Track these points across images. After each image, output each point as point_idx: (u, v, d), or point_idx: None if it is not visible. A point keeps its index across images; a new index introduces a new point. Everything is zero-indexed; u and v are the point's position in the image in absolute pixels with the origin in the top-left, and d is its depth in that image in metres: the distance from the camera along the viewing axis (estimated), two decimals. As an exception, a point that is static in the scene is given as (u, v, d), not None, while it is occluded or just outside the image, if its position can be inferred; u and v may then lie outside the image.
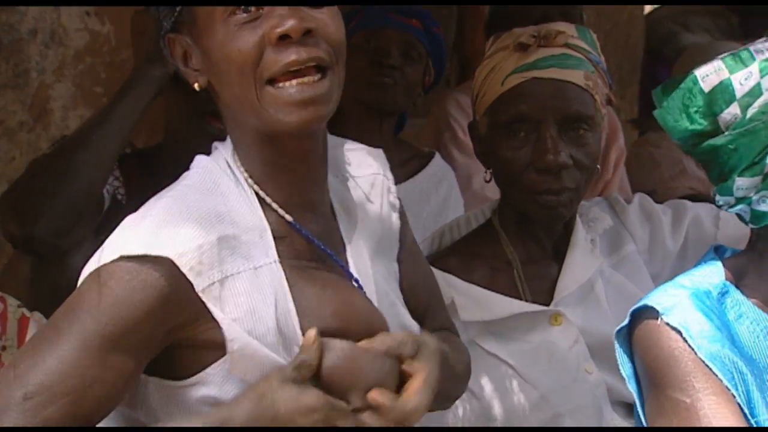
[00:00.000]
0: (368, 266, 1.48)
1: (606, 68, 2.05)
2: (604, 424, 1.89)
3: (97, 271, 1.27)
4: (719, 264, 1.60)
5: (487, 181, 2.04)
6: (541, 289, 1.98)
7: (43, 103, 2.58)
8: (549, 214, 1.95)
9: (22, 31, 2.55)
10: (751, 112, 1.49)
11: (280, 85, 1.29)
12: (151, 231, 1.28)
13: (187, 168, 1.46)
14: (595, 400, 1.88)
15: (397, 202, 1.60)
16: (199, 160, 1.44)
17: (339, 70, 1.34)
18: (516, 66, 1.96)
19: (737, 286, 1.58)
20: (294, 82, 1.29)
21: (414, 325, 1.53)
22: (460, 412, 1.86)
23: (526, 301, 1.97)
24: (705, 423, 1.42)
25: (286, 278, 1.35)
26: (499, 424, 1.91)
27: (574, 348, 1.91)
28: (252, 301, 1.32)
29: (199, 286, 1.26)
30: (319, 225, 1.43)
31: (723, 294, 1.56)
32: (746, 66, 1.51)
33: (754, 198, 1.51)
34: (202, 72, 1.37)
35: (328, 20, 1.33)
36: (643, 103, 3.36)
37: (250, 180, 1.39)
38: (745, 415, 1.44)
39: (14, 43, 2.53)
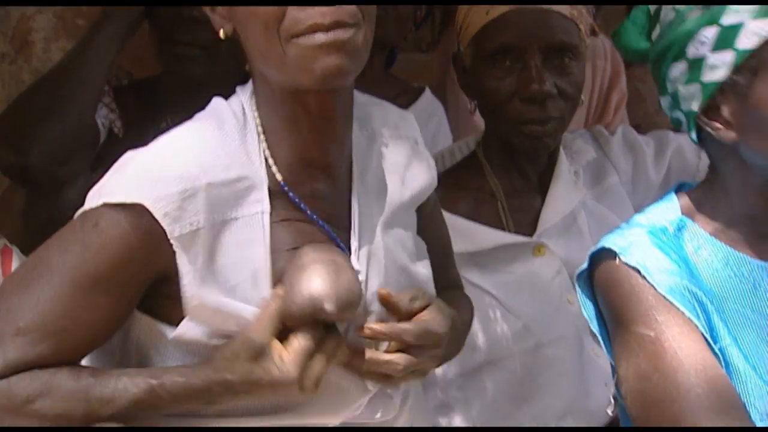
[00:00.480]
0: (378, 231, 1.48)
1: None
2: (585, 354, 1.93)
3: (85, 214, 1.30)
4: (675, 199, 1.63)
5: (472, 113, 2.04)
6: (524, 220, 2.01)
7: (24, 34, 2.55)
8: (534, 144, 1.96)
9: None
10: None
11: (306, 39, 1.25)
12: (134, 176, 1.30)
13: (189, 100, 1.46)
14: (577, 330, 1.93)
15: (430, 164, 1.63)
16: (214, 102, 1.43)
17: (368, 31, 1.30)
18: None
19: (695, 220, 1.61)
20: (318, 33, 1.25)
21: (430, 286, 1.58)
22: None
23: (510, 232, 1.99)
24: (670, 353, 1.45)
25: (272, 233, 1.36)
26: (482, 353, 1.95)
27: (557, 279, 1.95)
28: (236, 250, 1.34)
29: (175, 231, 1.28)
30: (328, 185, 1.43)
31: (680, 229, 1.59)
32: None
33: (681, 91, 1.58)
34: (227, 19, 1.35)
35: None
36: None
37: (260, 129, 1.39)
38: (708, 342, 1.47)
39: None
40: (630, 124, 2.69)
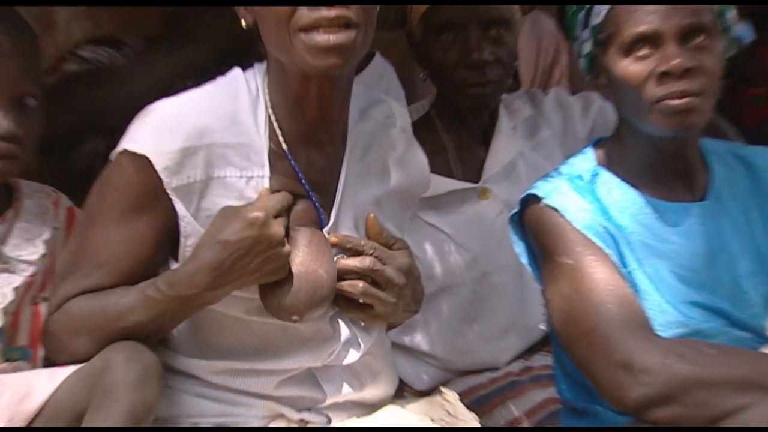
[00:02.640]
0: (357, 196, 1.47)
1: None
2: (524, 281, 1.95)
3: (114, 157, 1.34)
4: (591, 151, 1.66)
5: (424, 80, 2.04)
6: (471, 169, 2.02)
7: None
8: (476, 104, 1.98)
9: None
10: None
11: (310, 33, 1.25)
12: (148, 129, 1.33)
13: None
14: (517, 261, 1.90)
15: (423, 163, 1.64)
16: (234, 72, 1.44)
17: (367, 30, 1.30)
18: None
19: (608, 167, 1.63)
20: (321, 30, 1.25)
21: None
22: None
23: (459, 179, 2.00)
24: (587, 277, 1.49)
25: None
26: (438, 281, 1.96)
27: (499, 218, 1.95)
28: (233, 204, 1.35)
29: (172, 183, 1.30)
30: (322, 158, 1.43)
31: (594, 176, 1.61)
32: None
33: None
34: (249, 13, 1.36)
35: None
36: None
37: (269, 103, 1.39)
38: (618, 267, 1.51)
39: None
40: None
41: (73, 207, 1.59)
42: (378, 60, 2.62)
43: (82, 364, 1.39)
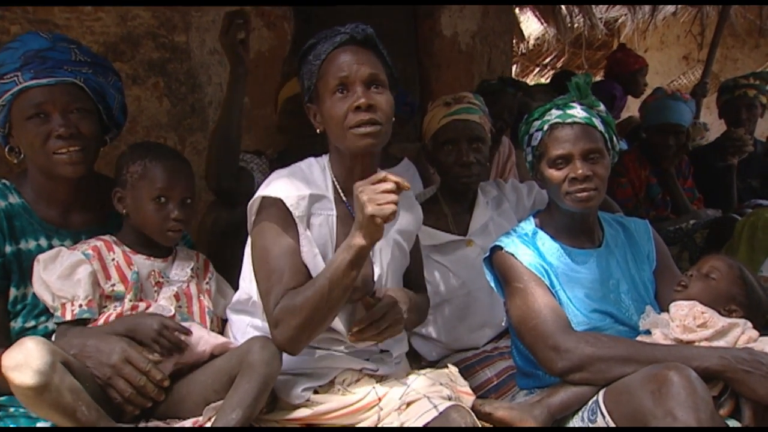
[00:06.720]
0: (385, 235, 1.44)
1: (489, 113, 2.10)
2: (493, 295, 1.88)
3: (261, 200, 1.38)
4: (532, 219, 1.71)
5: (433, 174, 2.07)
6: (461, 228, 2.05)
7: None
8: (465, 188, 2.02)
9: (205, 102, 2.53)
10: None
11: (355, 128, 1.34)
12: (276, 184, 1.38)
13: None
14: (488, 284, 1.86)
15: (419, 214, 1.57)
16: (310, 158, 1.49)
17: (387, 127, 1.37)
18: (445, 113, 2.03)
19: (542, 228, 1.66)
20: (362, 127, 1.33)
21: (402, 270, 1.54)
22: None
23: (454, 234, 2.03)
24: (531, 294, 1.51)
25: (336, 225, 1.42)
26: (442, 295, 1.96)
27: (478, 258, 1.90)
28: (318, 228, 1.39)
29: (296, 213, 1.36)
30: None
31: (534, 234, 1.66)
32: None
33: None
34: (320, 123, 1.41)
35: (383, 99, 1.36)
36: (515, 134, 3.20)
37: (332, 172, 1.45)
38: (550, 289, 1.54)
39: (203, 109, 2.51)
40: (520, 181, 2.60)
41: (207, 259, 1.62)
42: (405, 161, 2.67)
43: (237, 345, 1.38)
